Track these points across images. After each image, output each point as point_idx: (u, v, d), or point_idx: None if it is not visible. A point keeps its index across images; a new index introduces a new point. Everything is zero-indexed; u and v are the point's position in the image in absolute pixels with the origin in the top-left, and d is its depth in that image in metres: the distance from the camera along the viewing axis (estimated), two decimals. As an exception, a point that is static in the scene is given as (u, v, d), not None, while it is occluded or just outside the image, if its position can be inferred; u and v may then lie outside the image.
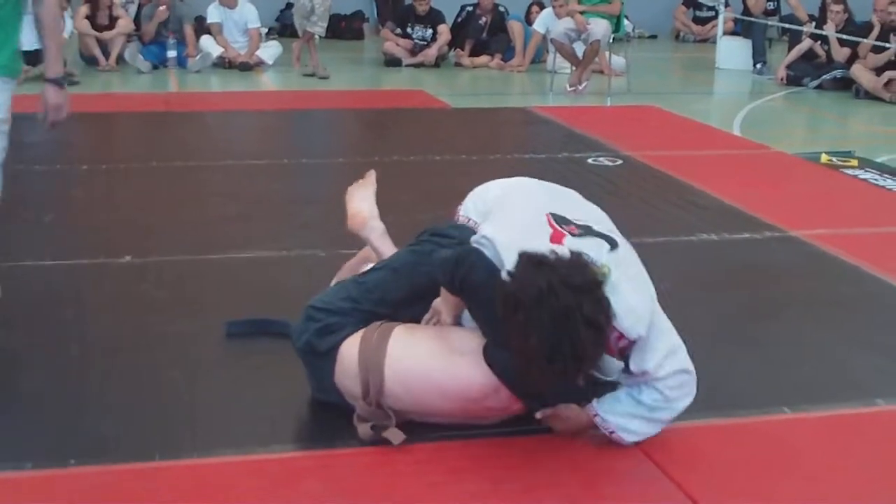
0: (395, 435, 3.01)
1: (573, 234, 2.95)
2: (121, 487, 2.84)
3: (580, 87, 10.30)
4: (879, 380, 3.61)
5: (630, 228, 5.12)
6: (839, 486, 2.93)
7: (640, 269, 3.04)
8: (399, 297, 3.19)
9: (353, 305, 3.19)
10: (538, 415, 3.01)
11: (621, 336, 2.83)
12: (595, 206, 3.30)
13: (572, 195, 3.36)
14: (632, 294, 2.85)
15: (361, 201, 3.82)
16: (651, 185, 6.31)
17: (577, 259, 2.77)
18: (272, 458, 3.01)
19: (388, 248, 3.63)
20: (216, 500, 2.79)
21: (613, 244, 2.97)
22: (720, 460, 3.07)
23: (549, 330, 2.63)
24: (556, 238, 2.92)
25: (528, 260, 2.74)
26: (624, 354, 2.90)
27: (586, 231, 2.99)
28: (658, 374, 2.90)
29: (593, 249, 2.89)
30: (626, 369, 2.93)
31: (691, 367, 2.98)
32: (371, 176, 3.89)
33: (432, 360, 3.02)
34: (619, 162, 6.91)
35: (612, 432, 2.99)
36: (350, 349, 3.09)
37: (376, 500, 2.80)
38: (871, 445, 3.14)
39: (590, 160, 6.92)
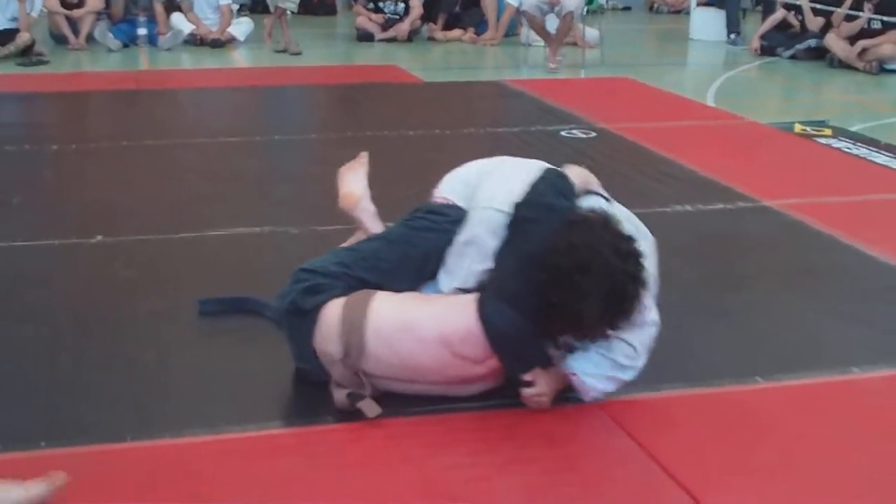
0: (370, 407, 2.99)
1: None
2: (92, 469, 2.80)
3: (553, 66, 10.18)
4: (853, 348, 3.62)
5: (604, 200, 5.19)
6: (813, 455, 2.93)
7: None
8: (390, 267, 3.19)
9: (343, 270, 3.18)
10: (527, 376, 3.02)
11: None
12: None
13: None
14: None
15: (353, 182, 3.78)
16: (624, 157, 6.30)
17: (607, 217, 2.96)
18: (245, 437, 2.99)
19: (378, 229, 3.62)
20: (189, 480, 2.77)
21: (607, 199, 3.30)
22: (694, 430, 3.07)
23: (602, 288, 2.78)
24: None
25: (566, 224, 2.92)
26: None
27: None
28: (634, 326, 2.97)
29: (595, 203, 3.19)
30: None
31: (658, 318, 3.07)
32: (363, 157, 3.85)
33: (414, 309, 3.04)
34: (593, 134, 6.90)
35: (588, 393, 3.05)
36: (333, 310, 3.07)
37: (352, 475, 2.78)
38: (844, 414, 3.14)
39: (563, 133, 6.90)
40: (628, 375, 3.05)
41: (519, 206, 3.09)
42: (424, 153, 6.21)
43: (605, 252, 2.82)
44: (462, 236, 3.20)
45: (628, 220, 3.18)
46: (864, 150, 6.61)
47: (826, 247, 4.72)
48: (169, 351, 3.58)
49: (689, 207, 5.24)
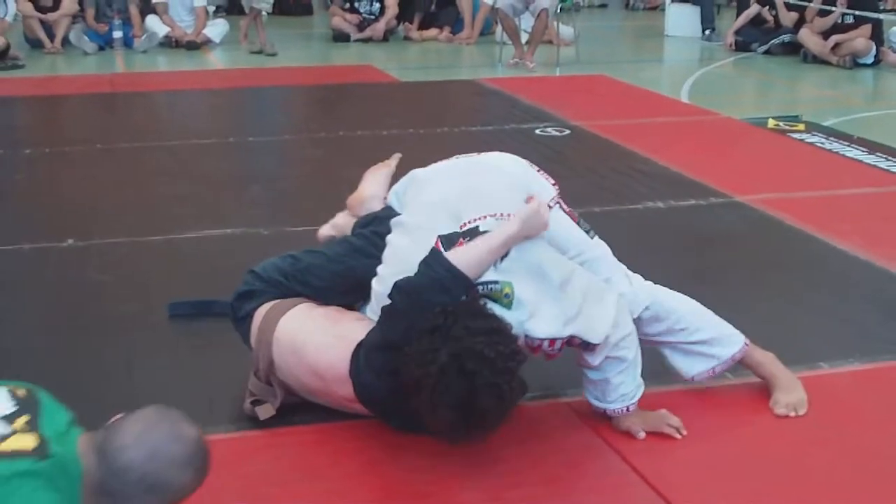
0: (264, 410, 3.01)
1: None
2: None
3: (530, 64, 10.17)
4: (823, 343, 3.63)
5: (576, 198, 5.14)
6: (779, 450, 2.93)
7: (542, 252, 2.85)
8: (322, 286, 3.15)
9: (281, 279, 3.18)
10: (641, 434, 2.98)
11: (553, 341, 2.75)
12: (508, 174, 3.10)
13: (489, 175, 3.10)
14: (542, 301, 2.74)
15: (372, 183, 3.72)
16: (598, 155, 6.31)
17: (470, 308, 2.65)
18: (212, 440, 2.94)
19: None
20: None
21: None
22: (662, 427, 3.08)
23: (455, 401, 2.53)
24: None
25: (423, 330, 2.60)
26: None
27: (472, 235, 2.80)
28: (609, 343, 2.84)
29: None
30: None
31: (630, 322, 2.92)
32: (394, 158, 3.76)
33: (311, 334, 2.98)
34: (567, 132, 6.91)
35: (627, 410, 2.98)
36: (255, 321, 3.09)
37: (318, 477, 2.79)
38: (813, 409, 3.13)
39: (537, 131, 6.91)
40: (631, 354, 2.92)
41: (394, 289, 2.76)
42: (397, 152, 6.19)
43: (452, 363, 2.52)
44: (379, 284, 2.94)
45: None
46: (837, 145, 6.64)
47: (797, 241, 4.74)
48: (138, 354, 3.57)
49: (661, 204, 5.25)
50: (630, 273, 3.14)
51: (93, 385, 3.33)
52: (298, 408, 3.06)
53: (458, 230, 2.82)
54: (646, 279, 3.21)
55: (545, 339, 2.73)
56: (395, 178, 3.41)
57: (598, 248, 3.10)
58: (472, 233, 2.80)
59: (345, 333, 2.92)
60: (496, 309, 2.68)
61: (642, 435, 2.96)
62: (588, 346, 2.81)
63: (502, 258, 2.76)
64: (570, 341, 2.78)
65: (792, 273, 4.36)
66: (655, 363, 3.18)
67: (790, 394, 3.15)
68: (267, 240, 4.63)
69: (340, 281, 3.11)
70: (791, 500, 2.71)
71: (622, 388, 2.93)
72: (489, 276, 2.74)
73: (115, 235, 4.76)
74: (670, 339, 3.15)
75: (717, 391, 3.26)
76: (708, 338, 3.16)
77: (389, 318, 2.76)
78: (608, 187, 5.56)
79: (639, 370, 2.96)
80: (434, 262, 2.73)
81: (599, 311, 2.81)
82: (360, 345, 2.84)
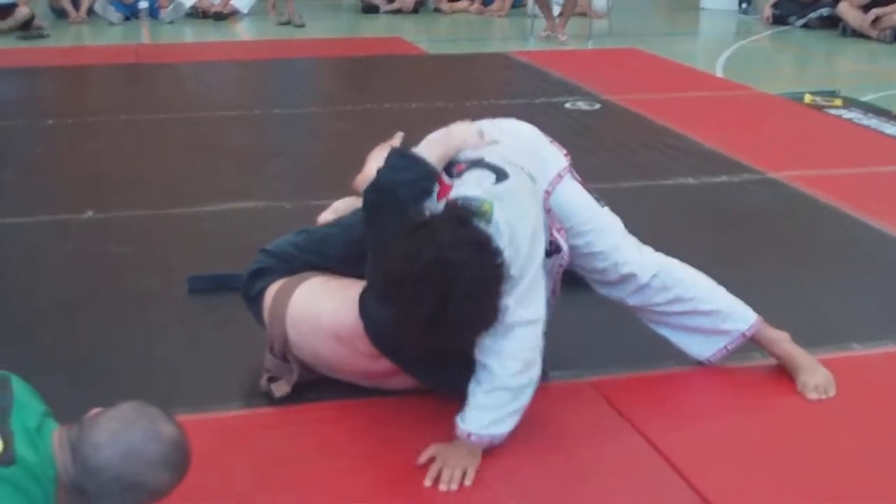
0: (279, 387, 2.97)
1: (458, 174, 2.76)
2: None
3: (562, 37, 10.06)
4: (854, 324, 3.53)
5: (605, 173, 5.10)
6: (808, 433, 2.84)
7: (531, 207, 2.76)
8: (337, 255, 3.08)
9: (295, 252, 3.12)
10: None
11: None
12: (525, 138, 3.03)
13: (505, 136, 3.00)
14: (518, 226, 2.66)
15: (377, 162, 3.66)
16: (628, 129, 6.20)
17: (457, 213, 2.60)
18: (228, 416, 2.94)
19: None
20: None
21: (501, 175, 2.72)
22: (687, 408, 3.00)
23: (432, 303, 2.45)
24: (442, 193, 2.74)
25: (407, 229, 2.56)
26: None
27: (473, 164, 2.77)
28: (507, 318, 2.64)
29: (474, 185, 2.69)
30: None
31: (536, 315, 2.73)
32: (397, 137, 3.72)
33: (324, 302, 2.93)
34: (598, 106, 6.80)
35: (468, 435, 2.68)
36: (268, 298, 3.03)
37: (332, 455, 2.72)
38: (844, 390, 3.04)
39: (567, 105, 6.80)
40: (525, 397, 2.72)
41: (366, 191, 2.84)
42: (424, 126, 6.04)
43: (435, 264, 2.46)
44: None
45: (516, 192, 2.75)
46: (875, 121, 6.49)
47: (831, 219, 4.62)
48: (156, 328, 3.52)
49: (691, 180, 5.14)
50: (641, 244, 3.06)
51: (110, 359, 3.30)
52: (315, 385, 3.00)
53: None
54: (674, 256, 3.13)
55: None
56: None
57: (608, 218, 3.03)
58: (476, 162, 2.77)
59: (353, 293, 2.88)
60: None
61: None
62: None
63: (501, 178, 2.71)
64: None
65: (825, 252, 4.25)
66: (672, 344, 3.11)
67: (815, 375, 3.05)
68: (290, 213, 4.56)
69: (356, 249, 2.97)
70: (818, 484, 2.61)
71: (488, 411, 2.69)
72: (472, 190, 2.67)
73: (135, 208, 4.71)
74: (679, 308, 3.05)
75: (743, 371, 3.16)
76: (717, 308, 3.07)
77: (372, 223, 2.79)
78: (638, 163, 5.45)
79: (514, 413, 2.72)
80: (392, 154, 2.82)
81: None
82: (365, 288, 2.82)
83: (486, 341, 2.64)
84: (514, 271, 2.60)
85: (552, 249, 2.88)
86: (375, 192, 2.79)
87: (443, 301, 2.46)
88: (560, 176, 2.94)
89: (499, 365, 2.66)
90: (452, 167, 2.79)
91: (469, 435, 2.68)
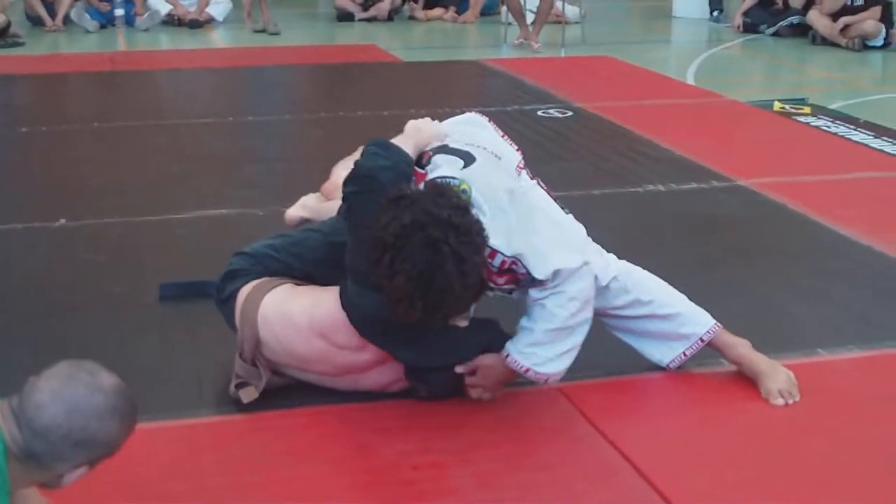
0: (247, 393, 2.96)
1: (427, 161, 2.87)
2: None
3: (535, 45, 10.09)
4: (821, 329, 3.58)
5: (576, 180, 5.14)
6: (774, 438, 2.88)
7: (502, 178, 2.89)
8: (316, 258, 3.10)
9: (271, 253, 3.13)
10: (460, 369, 2.92)
11: (496, 254, 2.76)
12: (485, 134, 3.11)
13: (472, 121, 3.23)
14: (496, 215, 2.76)
15: (344, 170, 3.70)
16: (600, 137, 6.24)
17: (436, 186, 2.71)
18: (199, 423, 2.95)
19: None
20: (140, 465, 2.71)
21: (468, 158, 2.83)
22: (655, 413, 3.05)
23: (415, 268, 2.55)
24: (418, 182, 2.84)
25: (388, 199, 2.65)
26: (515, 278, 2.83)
27: (438, 150, 2.89)
28: (550, 283, 2.79)
29: (447, 168, 2.80)
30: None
31: (583, 261, 2.85)
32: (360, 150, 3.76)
33: (299, 299, 2.97)
34: (570, 114, 6.84)
35: (526, 370, 2.87)
36: (239, 300, 3.03)
37: (305, 460, 2.74)
38: (810, 395, 3.08)
39: (540, 112, 6.84)
40: (581, 335, 2.88)
41: (345, 183, 2.92)
42: (397, 133, 6.12)
43: (413, 227, 2.55)
44: None
45: (485, 173, 2.85)
46: (843, 129, 6.56)
47: (799, 226, 4.67)
48: (127, 335, 3.53)
49: (661, 187, 5.18)
50: (603, 251, 3.11)
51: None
52: (285, 391, 3.02)
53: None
54: (643, 262, 3.19)
55: (492, 248, 2.72)
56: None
57: (572, 224, 3.07)
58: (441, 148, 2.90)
59: (327, 288, 2.92)
60: None
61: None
62: (534, 283, 2.79)
63: (469, 163, 2.81)
64: (517, 274, 2.79)
65: (792, 258, 4.30)
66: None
67: (777, 379, 3.08)
68: (262, 220, 4.57)
69: (336, 253, 2.99)
70: (786, 489, 2.65)
71: (544, 349, 2.84)
72: (447, 171, 2.78)
73: (108, 215, 4.71)
74: (638, 311, 3.09)
75: (710, 377, 3.20)
76: (676, 312, 3.12)
77: (349, 209, 2.85)
78: (609, 169, 5.49)
79: (569, 352, 2.87)
80: (369, 146, 2.89)
81: (555, 250, 2.81)
82: (345, 279, 2.86)
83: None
84: (516, 249, 2.74)
85: None
86: (356, 181, 2.85)
87: (429, 267, 2.53)
88: (519, 168, 3.00)
89: (557, 306, 2.79)
90: (421, 157, 2.90)
91: (527, 370, 2.84)
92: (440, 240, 2.54)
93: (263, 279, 3.06)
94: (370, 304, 2.76)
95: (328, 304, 2.89)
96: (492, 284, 2.84)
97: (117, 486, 2.60)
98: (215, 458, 2.76)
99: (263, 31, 10.95)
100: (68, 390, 2.03)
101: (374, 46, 9.98)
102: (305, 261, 3.11)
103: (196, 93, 8.03)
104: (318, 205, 3.52)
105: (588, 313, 2.87)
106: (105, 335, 3.51)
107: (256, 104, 7.62)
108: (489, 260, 2.74)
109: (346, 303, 2.85)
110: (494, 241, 2.72)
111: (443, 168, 2.81)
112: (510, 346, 2.88)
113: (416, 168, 2.87)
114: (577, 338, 2.87)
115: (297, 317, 2.92)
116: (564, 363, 2.89)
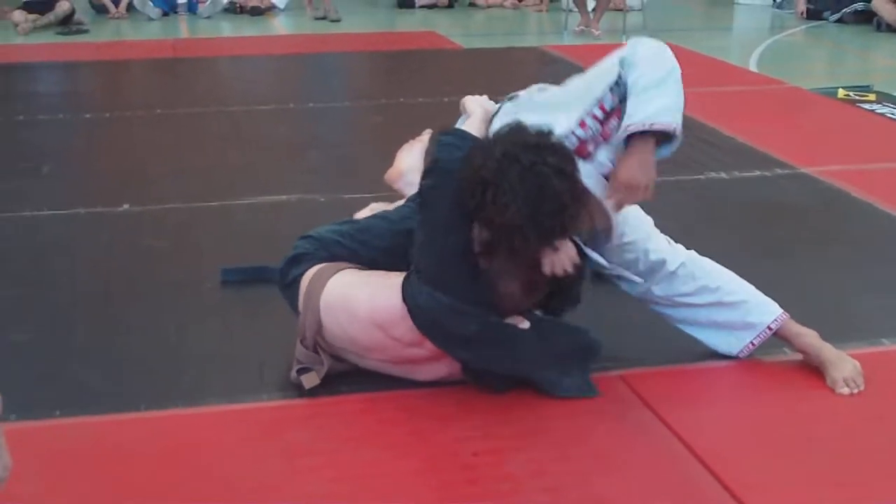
0: (309, 379, 2.97)
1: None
2: (106, 438, 2.80)
3: (596, 32, 10.04)
4: (885, 319, 3.52)
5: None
6: (838, 429, 2.85)
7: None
8: (382, 245, 3.09)
9: (337, 239, 3.13)
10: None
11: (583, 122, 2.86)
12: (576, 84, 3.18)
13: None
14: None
15: (407, 157, 3.72)
16: (661, 124, 6.17)
17: (514, 125, 2.77)
18: (259, 407, 2.96)
19: None
20: (201, 449, 2.75)
21: (513, 97, 3.05)
22: (716, 401, 3.02)
23: (523, 193, 2.60)
24: None
25: (473, 147, 2.74)
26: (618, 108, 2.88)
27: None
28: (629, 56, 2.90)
29: (502, 118, 2.95)
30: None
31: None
32: (425, 134, 3.78)
33: (362, 287, 2.96)
34: (630, 100, 6.77)
35: (652, 125, 2.83)
36: (305, 283, 3.04)
37: (362, 447, 2.74)
38: (874, 385, 3.03)
39: (600, 99, 6.78)
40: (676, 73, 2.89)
41: (424, 175, 2.93)
42: (456, 120, 6.13)
43: (507, 158, 2.63)
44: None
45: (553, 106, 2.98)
46: (909, 116, 6.46)
47: (863, 214, 4.61)
48: (189, 320, 3.55)
49: (724, 175, 5.13)
50: (671, 240, 3.15)
51: (144, 349, 3.34)
52: (345, 377, 3.03)
53: None
54: (705, 250, 3.18)
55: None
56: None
57: (639, 212, 3.14)
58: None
59: (389, 279, 2.92)
60: None
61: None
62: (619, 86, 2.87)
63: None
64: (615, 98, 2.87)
65: (856, 247, 4.24)
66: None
67: (843, 368, 3.04)
68: (323, 206, 4.60)
69: (402, 241, 2.99)
70: (849, 478, 2.61)
71: (659, 99, 2.82)
72: (504, 120, 2.91)
73: (170, 201, 4.75)
74: (704, 299, 3.09)
75: (775, 367, 3.16)
76: (743, 300, 3.10)
77: (423, 204, 2.88)
78: (670, 157, 5.41)
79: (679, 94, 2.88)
80: (442, 136, 2.94)
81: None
82: (409, 272, 2.86)
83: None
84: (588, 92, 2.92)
85: None
86: (434, 175, 2.87)
87: (536, 191, 2.59)
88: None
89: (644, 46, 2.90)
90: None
91: (652, 124, 2.80)
92: (537, 162, 2.61)
93: (327, 264, 3.05)
94: (434, 307, 2.77)
95: (390, 296, 2.87)
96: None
97: (181, 469, 2.63)
98: (274, 442, 2.77)
99: (324, 18, 11.00)
100: None
101: (433, 33, 9.99)
102: (371, 248, 3.10)
103: (257, 79, 8.08)
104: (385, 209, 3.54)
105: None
106: (166, 320, 3.54)
107: (317, 91, 7.65)
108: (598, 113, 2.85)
109: (407, 297, 2.84)
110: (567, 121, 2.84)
111: (500, 118, 2.96)
112: (644, 120, 2.81)
113: None
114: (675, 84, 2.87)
115: (359, 305, 2.92)
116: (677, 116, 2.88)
